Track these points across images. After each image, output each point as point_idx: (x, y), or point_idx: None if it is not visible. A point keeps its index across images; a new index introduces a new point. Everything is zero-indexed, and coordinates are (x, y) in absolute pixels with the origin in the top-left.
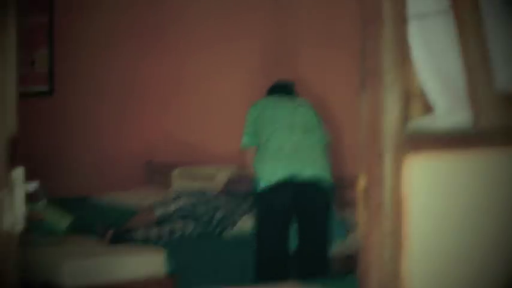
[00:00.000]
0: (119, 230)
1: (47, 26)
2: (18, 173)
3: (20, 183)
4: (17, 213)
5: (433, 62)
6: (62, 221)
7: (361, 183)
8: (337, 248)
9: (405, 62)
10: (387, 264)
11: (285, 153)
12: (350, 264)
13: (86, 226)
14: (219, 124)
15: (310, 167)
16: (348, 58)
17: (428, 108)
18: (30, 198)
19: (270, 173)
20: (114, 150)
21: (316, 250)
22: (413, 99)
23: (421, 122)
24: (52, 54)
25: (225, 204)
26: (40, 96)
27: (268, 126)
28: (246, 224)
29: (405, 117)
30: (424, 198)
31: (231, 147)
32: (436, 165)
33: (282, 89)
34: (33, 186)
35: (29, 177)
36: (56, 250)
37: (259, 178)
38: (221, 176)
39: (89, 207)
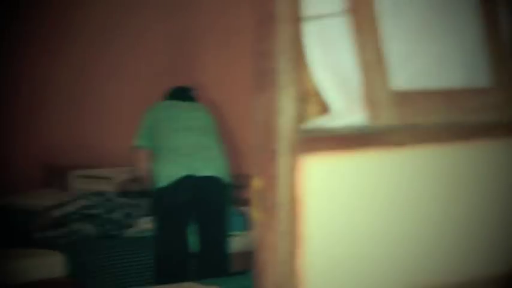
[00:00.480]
0: (16, 233)
1: None
2: None
3: None
4: None
5: (329, 62)
6: None
7: (256, 183)
8: (236, 244)
9: (300, 63)
10: (283, 264)
11: (183, 153)
12: (249, 261)
13: None
14: (115, 126)
15: (208, 166)
16: (248, 57)
17: (325, 109)
18: None
19: (167, 172)
20: (10, 152)
21: (215, 249)
22: (310, 99)
23: (317, 122)
24: None
25: (122, 204)
26: None
27: (165, 129)
28: (144, 224)
29: (300, 117)
30: (321, 198)
31: (126, 149)
32: (333, 165)
33: (179, 94)
34: None
35: None
36: None
37: (157, 178)
38: (118, 178)
39: None
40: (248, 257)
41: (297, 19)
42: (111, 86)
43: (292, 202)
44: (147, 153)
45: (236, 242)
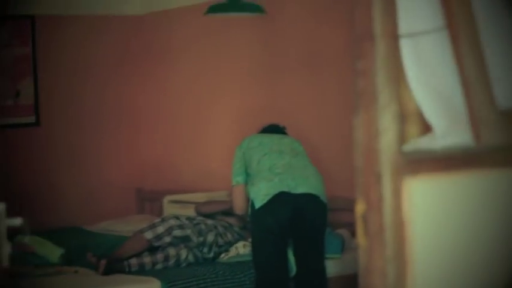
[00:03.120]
0: (112, 259)
1: (30, 57)
2: (0, 208)
3: (3, 219)
4: (1, 249)
5: (429, 80)
6: (53, 252)
7: (359, 207)
8: (332, 268)
9: (399, 81)
10: None
11: (277, 172)
12: (345, 286)
13: (78, 257)
14: (210, 150)
15: (304, 183)
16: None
17: (426, 129)
18: (16, 232)
19: (263, 192)
20: (104, 179)
21: (315, 272)
22: (410, 119)
23: (419, 143)
24: (36, 85)
25: (214, 227)
26: (27, 128)
27: (256, 154)
28: (240, 247)
29: (402, 138)
30: (426, 222)
31: (222, 174)
32: (437, 187)
33: (270, 129)
34: (17, 221)
35: (18, 209)
36: (49, 281)
37: (253, 199)
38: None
39: (80, 237)
40: (344, 281)
41: (394, 36)
42: (205, 111)
43: (398, 225)
44: (243, 189)
45: (332, 266)
